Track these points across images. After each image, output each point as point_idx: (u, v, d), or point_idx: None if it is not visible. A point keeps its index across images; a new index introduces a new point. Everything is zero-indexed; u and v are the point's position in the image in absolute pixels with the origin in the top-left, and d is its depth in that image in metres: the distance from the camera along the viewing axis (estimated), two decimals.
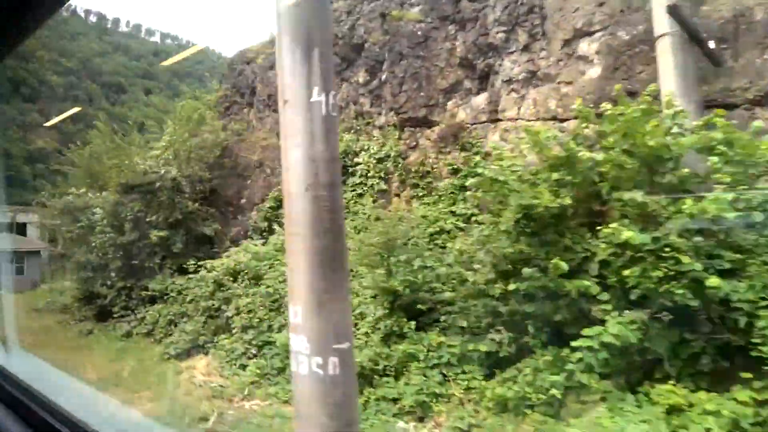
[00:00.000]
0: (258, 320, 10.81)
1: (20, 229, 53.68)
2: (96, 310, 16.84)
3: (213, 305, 12.55)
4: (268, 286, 11.47)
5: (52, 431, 1.81)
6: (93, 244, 16.70)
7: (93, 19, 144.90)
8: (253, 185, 16.94)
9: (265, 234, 15.01)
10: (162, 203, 16.41)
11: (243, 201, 17.14)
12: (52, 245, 27.88)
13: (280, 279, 11.30)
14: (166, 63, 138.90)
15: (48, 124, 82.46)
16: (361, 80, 14.75)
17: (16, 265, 25.23)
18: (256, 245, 13.77)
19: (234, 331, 11.09)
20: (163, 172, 16.50)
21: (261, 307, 11.03)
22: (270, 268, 12.38)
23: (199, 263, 13.79)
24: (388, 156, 13.45)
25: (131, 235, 16.23)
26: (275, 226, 14.42)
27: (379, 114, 14.32)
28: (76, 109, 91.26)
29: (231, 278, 12.72)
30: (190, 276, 13.92)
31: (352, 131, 14.64)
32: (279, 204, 14.41)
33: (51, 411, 1.95)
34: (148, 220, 16.25)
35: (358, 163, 13.75)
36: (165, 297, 14.65)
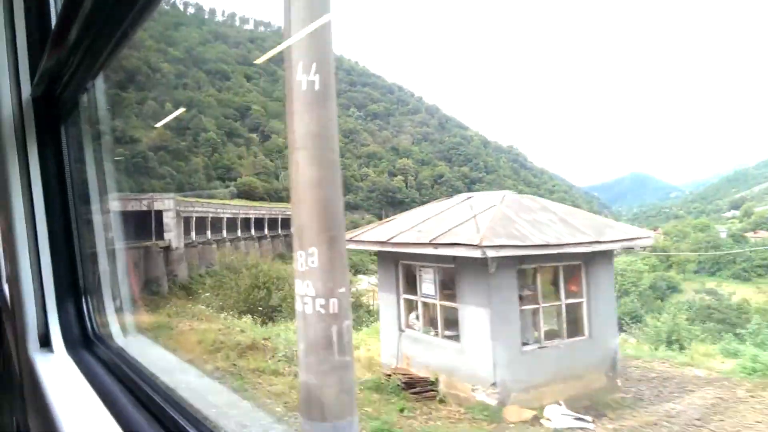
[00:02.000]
0: None
1: (158, 218, 53.81)
2: None
3: None
4: None
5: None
6: None
7: (191, 9, 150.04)
8: None
9: None
10: None
11: None
12: None
13: None
14: (265, 57, 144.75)
15: (160, 124, 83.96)
16: None
17: None
18: None
19: None
20: None
21: None
22: None
23: None
24: None
25: None
26: None
27: None
28: (181, 110, 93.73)
29: None
30: None
31: None
32: None
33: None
34: None
35: None
36: None
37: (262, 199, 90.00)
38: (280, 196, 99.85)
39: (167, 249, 53.53)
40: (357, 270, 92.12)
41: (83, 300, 3.05)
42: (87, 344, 2.92)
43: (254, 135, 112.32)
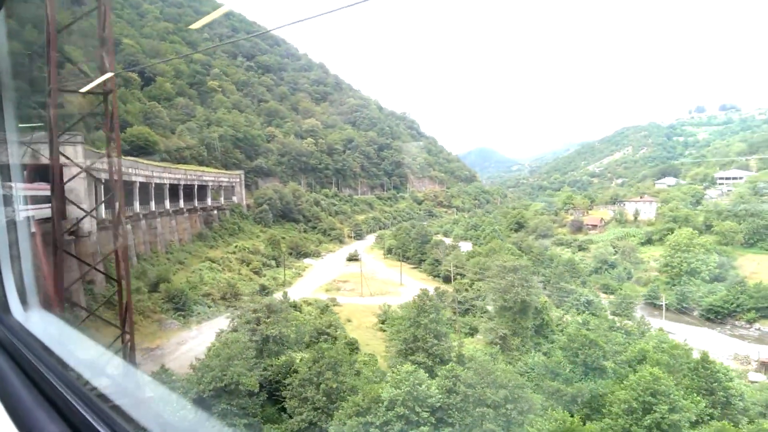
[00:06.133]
0: None
1: (60, 179, 30.25)
2: None
3: None
4: None
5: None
6: None
7: None
8: None
9: None
10: None
11: None
12: None
13: None
14: (202, 22, 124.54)
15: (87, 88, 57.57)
16: None
17: None
18: None
19: None
20: None
21: None
22: None
23: None
24: None
25: None
26: None
27: None
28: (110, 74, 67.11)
29: None
30: None
31: None
32: None
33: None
34: None
35: None
36: None
37: (163, 159, 65.67)
38: (183, 155, 75.63)
39: (76, 234, 30.73)
40: (299, 252, 72.88)
41: None
42: None
43: (134, 74, 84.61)
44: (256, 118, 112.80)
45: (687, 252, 51.75)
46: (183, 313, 34.79)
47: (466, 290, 43.82)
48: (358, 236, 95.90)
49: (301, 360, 22.76)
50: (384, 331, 38.96)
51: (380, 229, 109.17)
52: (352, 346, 29.12)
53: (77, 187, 30.67)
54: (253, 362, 22.45)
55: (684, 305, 50.40)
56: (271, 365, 23.37)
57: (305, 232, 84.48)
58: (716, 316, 49.13)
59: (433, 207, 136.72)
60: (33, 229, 20.17)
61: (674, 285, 52.12)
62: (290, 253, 68.85)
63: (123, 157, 46.32)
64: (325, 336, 30.54)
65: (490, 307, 40.34)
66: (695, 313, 49.56)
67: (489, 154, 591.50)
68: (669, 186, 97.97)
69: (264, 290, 31.70)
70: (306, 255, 70.82)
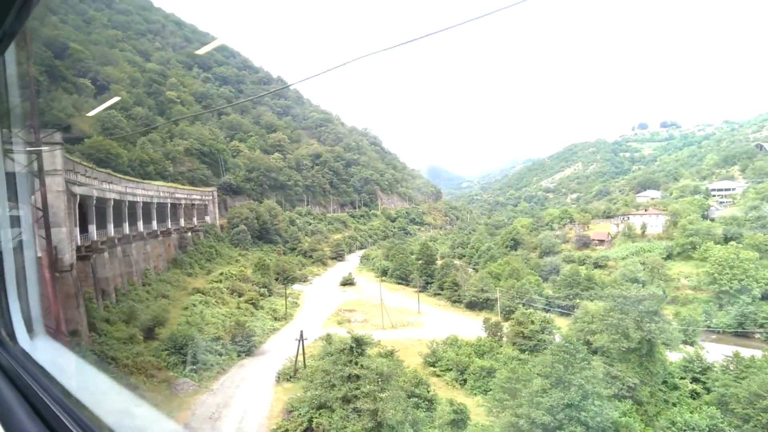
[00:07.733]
0: None
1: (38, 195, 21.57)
2: None
3: None
4: None
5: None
6: None
7: None
8: None
9: None
10: None
11: None
12: None
13: None
14: (206, 48, 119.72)
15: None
16: None
17: None
18: None
19: None
20: None
21: None
22: None
23: None
24: None
25: None
26: None
27: None
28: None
29: None
30: None
31: None
32: None
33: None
34: None
35: None
36: None
37: (125, 172, 57.11)
38: (147, 170, 67.15)
39: (55, 267, 22.80)
40: (286, 277, 64.94)
41: None
42: None
43: (86, 80, 75.13)
44: (219, 131, 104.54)
45: (734, 268, 48.31)
46: (193, 366, 27.20)
47: (532, 322, 37.90)
48: (339, 257, 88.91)
49: None
50: (439, 376, 32.68)
51: (358, 248, 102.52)
52: (462, 415, 22.65)
53: (56, 205, 22.92)
54: None
55: (744, 328, 46.39)
56: None
57: (284, 254, 76.66)
58: None
59: (407, 224, 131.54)
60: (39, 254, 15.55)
61: (723, 305, 48.66)
62: (276, 279, 61.24)
63: (95, 168, 38.23)
64: (416, 399, 23.85)
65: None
66: (757, 335, 45.70)
67: (439, 171, 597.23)
68: (653, 198, 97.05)
69: (359, 346, 23.03)
70: (293, 280, 63.32)
